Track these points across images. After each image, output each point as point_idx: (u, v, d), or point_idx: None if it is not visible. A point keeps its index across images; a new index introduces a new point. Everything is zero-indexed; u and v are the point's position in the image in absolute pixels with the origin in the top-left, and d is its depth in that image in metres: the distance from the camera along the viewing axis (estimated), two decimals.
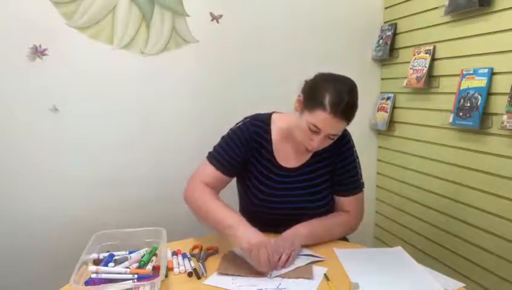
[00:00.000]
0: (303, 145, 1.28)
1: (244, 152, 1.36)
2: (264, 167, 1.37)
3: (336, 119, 1.19)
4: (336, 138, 1.27)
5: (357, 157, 1.42)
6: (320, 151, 1.34)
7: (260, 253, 1.10)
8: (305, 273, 1.11)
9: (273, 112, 1.43)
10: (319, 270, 1.13)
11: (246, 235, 1.14)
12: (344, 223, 1.38)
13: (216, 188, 1.36)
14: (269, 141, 1.37)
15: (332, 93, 1.18)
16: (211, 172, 1.35)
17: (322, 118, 1.19)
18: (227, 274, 1.11)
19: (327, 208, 1.40)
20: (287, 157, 1.38)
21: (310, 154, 1.37)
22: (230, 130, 1.40)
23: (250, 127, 1.37)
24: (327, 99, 1.17)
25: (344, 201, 1.40)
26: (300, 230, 1.27)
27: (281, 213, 1.36)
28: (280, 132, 1.38)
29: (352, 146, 1.41)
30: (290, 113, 1.33)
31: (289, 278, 1.09)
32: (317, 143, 1.24)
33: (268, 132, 1.38)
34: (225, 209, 1.24)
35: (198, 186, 1.33)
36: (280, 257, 1.15)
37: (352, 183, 1.39)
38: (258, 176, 1.37)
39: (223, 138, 1.40)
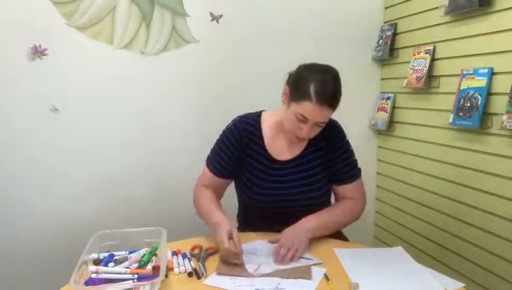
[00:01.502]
0: (293, 135, 1.32)
1: (236, 151, 1.40)
2: (258, 161, 1.39)
3: (322, 108, 1.22)
4: (323, 125, 1.30)
5: (350, 145, 1.44)
6: (313, 143, 1.38)
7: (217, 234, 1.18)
8: (304, 273, 1.11)
9: (263, 111, 1.46)
10: (318, 271, 1.13)
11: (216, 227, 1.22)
12: (348, 211, 1.40)
13: (216, 190, 1.42)
14: (260, 137, 1.40)
15: (316, 83, 1.22)
16: (208, 176, 1.43)
17: (309, 108, 1.22)
18: (225, 275, 1.11)
19: (324, 198, 1.41)
20: (280, 150, 1.40)
21: (303, 146, 1.40)
22: (222, 131, 1.44)
23: (239, 125, 1.41)
24: (312, 90, 1.21)
25: (344, 189, 1.41)
26: (306, 224, 1.28)
27: (279, 206, 1.37)
28: (271, 127, 1.41)
29: (344, 136, 1.43)
30: (279, 108, 1.37)
31: (288, 278, 1.09)
32: (306, 131, 1.28)
33: (259, 129, 1.41)
34: (214, 210, 1.30)
35: (198, 191, 1.42)
36: (287, 252, 1.17)
37: (349, 170, 1.41)
38: (253, 171, 1.39)
39: (216, 140, 1.45)
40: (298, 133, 1.29)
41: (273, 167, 1.39)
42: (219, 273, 1.12)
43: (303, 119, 1.25)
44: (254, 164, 1.39)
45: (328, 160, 1.40)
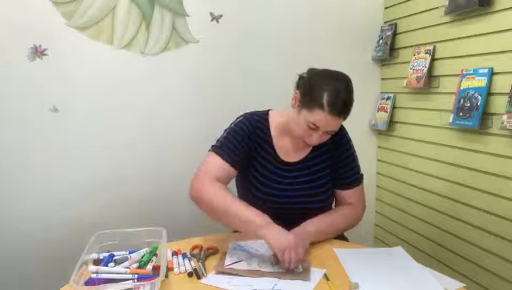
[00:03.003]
0: (302, 140, 1.31)
1: (249, 144, 1.37)
2: (267, 161, 1.38)
3: (334, 118, 1.22)
4: (333, 133, 1.30)
5: (354, 150, 1.43)
6: (319, 146, 1.37)
7: (292, 254, 1.12)
8: (301, 274, 1.11)
9: (269, 110, 1.45)
10: (317, 272, 1.13)
11: (277, 236, 1.15)
12: (348, 216, 1.40)
13: (225, 182, 1.32)
14: (269, 136, 1.39)
15: (330, 92, 1.20)
16: (219, 164, 1.30)
17: (321, 118, 1.21)
18: (223, 273, 1.12)
19: (328, 202, 1.42)
20: (287, 152, 1.39)
21: (309, 149, 1.39)
22: (232, 124, 1.40)
23: (252, 121, 1.39)
24: (325, 99, 1.20)
25: (345, 194, 1.41)
26: (308, 228, 1.28)
27: (284, 207, 1.37)
28: (278, 127, 1.40)
29: (349, 140, 1.43)
30: (286, 110, 1.36)
31: (286, 278, 1.09)
32: (316, 139, 1.28)
33: (267, 127, 1.40)
34: (248, 208, 1.22)
35: (208, 183, 1.26)
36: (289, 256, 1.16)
37: (352, 175, 1.41)
38: (261, 170, 1.38)
39: (226, 131, 1.39)
40: (307, 139, 1.29)
41: (281, 168, 1.38)
42: (218, 272, 1.12)
43: (314, 128, 1.24)
44: (263, 163, 1.38)
45: (333, 163, 1.40)
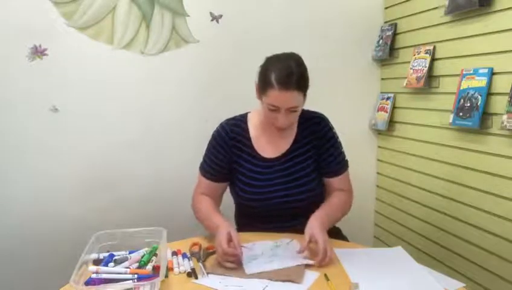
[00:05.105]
0: (273, 127, 1.33)
1: (225, 154, 1.41)
2: (247, 161, 1.40)
3: (287, 93, 1.24)
4: (297, 110, 1.31)
5: (338, 137, 1.45)
6: (299, 138, 1.40)
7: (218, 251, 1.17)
8: (295, 276, 1.09)
9: (248, 112, 1.47)
10: (311, 274, 1.11)
11: (219, 237, 1.19)
12: (345, 202, 1.42)
13: (213, 196, 1.43)
14: (248, 137, 1.41)
15: (276, 70, 1.24)
16: (204, 183, 1.44)
17: (274, 96, 1.24)
18: (216, 274, 1.12)
19: (316, 192, 1.41)
20: (267, 148, 1.41)
21: (290, 142, 1.41)
22: (211, 136, 1.45)
23: (225, 127, 1.42)
24: (273, 77, 1.23)
25: (335, 181, 1.43)
26: (319, 220, 1.26)
27: (272, 203, 1.38)
28: (257, 125, 1.43)
29: (331, 128, 1.44)
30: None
31: (277, 280, 1.08)
32: (281, 120, 1.29)
33: (245, 129, 1.42)
34: (214, 214, 1.32)
35: (196, 200, 1.43)
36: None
37: (339, 163, 1.43)
38: (243, 171, 1.40)
39: (206, 146, 1.45)
40: (275, 123, 1.31)
41: (263, 165, 1.40)
42: (210, 273, 1.12)
43: (274, 109, 1.27)
44: (243, 164, 1.41)
45: (318, 154, 1.41)
